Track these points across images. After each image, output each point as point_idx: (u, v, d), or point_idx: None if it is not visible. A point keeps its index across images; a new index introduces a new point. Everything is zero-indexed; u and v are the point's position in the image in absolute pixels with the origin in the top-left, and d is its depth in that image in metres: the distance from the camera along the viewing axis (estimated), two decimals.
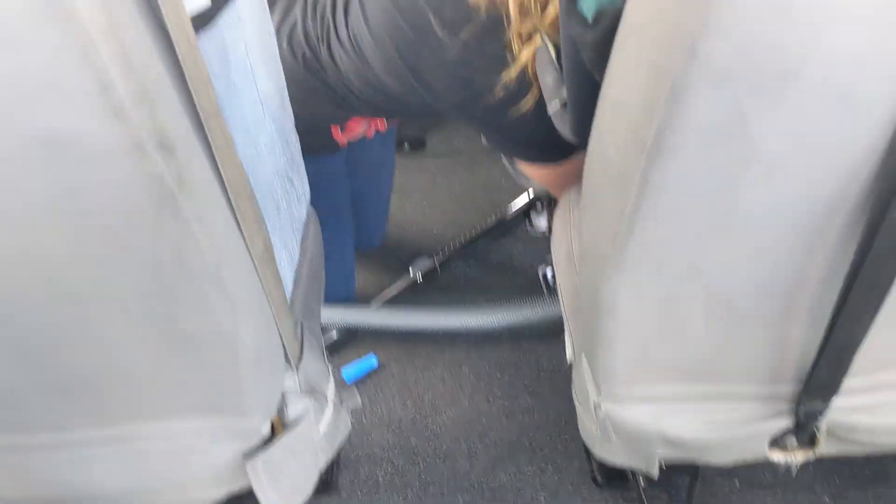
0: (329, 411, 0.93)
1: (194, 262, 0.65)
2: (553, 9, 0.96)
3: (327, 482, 1.31)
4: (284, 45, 1.25)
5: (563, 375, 1.50)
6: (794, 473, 0.90)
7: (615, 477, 1.23)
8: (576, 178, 1.06)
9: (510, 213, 1.98)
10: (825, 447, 0.88)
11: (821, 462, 1.31)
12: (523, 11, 0.98)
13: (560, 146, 1.08)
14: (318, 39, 1.22)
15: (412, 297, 1.74)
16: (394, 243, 1.91)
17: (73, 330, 0.70)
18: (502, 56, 1.03)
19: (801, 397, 0.82)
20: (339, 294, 1.61)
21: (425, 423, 1.41)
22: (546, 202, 1.92)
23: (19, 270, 0.63)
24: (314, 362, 0.94)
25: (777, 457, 0.89)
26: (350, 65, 1.19)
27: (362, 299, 1.70)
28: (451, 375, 1.51)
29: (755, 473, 1.30)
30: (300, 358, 0.91)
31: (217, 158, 0.64)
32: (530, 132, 1.11)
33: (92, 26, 0.48)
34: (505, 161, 1.73)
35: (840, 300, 0.72)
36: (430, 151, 2.29)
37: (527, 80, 1.04)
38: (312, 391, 0.90)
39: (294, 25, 1.25)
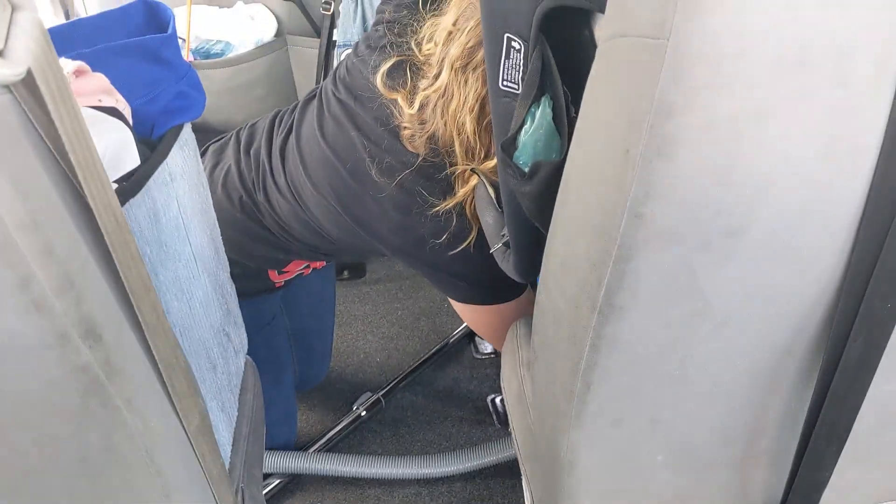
0: None
1: (124, 447, 0.60)
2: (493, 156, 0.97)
3: None
4: (219, 189, 1.23)
5: None
6: None
7: None
8: (511, 322, 1.05)
9: (454, 337, 1.96)
10: None
11: None
12: (468, 154, 0.99)
13: (503, 287, 1.07)
14: (253, 184, 1.21)
15: (357, 433, 1.67)
16: (336, 376, 1.85)
17: None
18: (440, 198, 1.03)
19: None
20: (281, 438, 1.54)
21: None
22: None
23: None
24: None
25: None
26: (289, 210, 1.17)
27: (306, 439, 1.63)
28: None
29: None
30: None
31: (148, 337, 0.60)
32: (473, 273, 1.10)
33: (9, 220, 0.44)
34: None
35: (802, 442, 0.71)
36: (370, 278, 2.27)
37: (468, 223, 1.04)
38: None
39: (228, 169, 1.24)
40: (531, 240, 0.84)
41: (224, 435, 0.89)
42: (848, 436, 0.69)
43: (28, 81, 0.43)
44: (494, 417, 1.66)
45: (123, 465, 0.61)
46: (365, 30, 1.88)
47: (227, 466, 0.85)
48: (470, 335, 1.97)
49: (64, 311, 0.49)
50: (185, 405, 0.66)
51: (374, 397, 1.72)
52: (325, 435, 1.62)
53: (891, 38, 0.48)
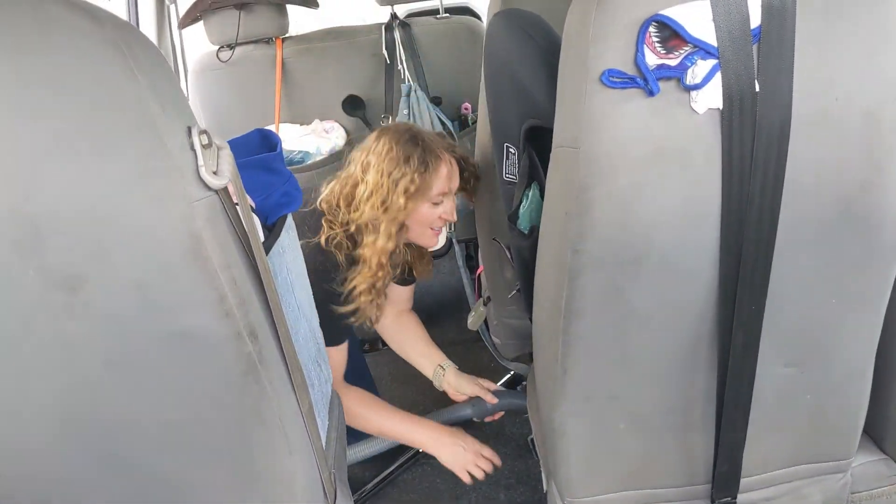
0: None
1: (266, 412, 0.95)
2: None
3: None
4: None
5: None
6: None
7: None
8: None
9: None
10: None
11: None
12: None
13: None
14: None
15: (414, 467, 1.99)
16: None
17: (172, 472, 0.98)
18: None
19: (714, 494, 1.09)
20: None
21: None
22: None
23: (141, 426, 0.92)
24: (345, 501, 1.21)
25: None
26: None
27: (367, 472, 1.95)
28: None
29: None
30: (336, 497, 1.18)
31: (282, 342, 0.96)
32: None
33: (215, 260, 0.81)
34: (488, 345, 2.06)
35: (718, 411, 1.02)
36: (384, 349, 2.56)
37: None
38: None
39: None
40: (531, 282, 1.19)
41: (322, 431, 1.23)
42: (750, 405, 1.00)
43: (225, 189, 0.81)
44: (534, 452, 1.97)
45: (264, 425, 0.96)
46: None
47: (324, 451, 1.19)
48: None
49: (240, 318, 0.85)
50: (301, 393, 1.01)
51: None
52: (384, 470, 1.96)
53: (714, 143, 0.82)
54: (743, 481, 1.08)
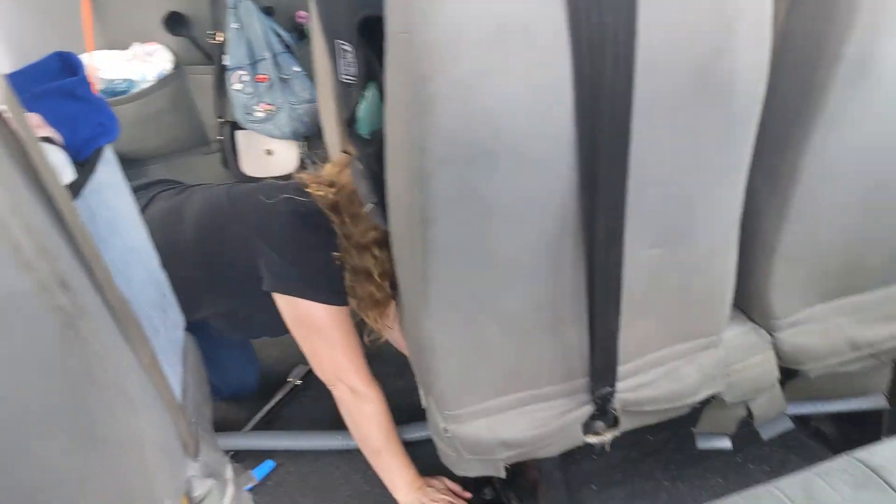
0: (230, 490, 1.10)
1: (97, 371, 0.84)
2: None
3: None
4: None
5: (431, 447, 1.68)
6: (607, 448, 1.13)
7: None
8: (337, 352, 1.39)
9: None
10: (626, 423, 1.13)
11: (658, 452, 1.58)
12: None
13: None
14: None
15: (295, 404, 1.90)
16: (274, 360, 2.07)
17: (8, 445, 0.86)
18: None
19: (593, 386, 1.07)
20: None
21: None
22: None
23: None
24: (212, 453, 1.12)
25: (592, 440, 1.13)
26: None
27: (246, 415, 1.85)
28: (345, 461, 1.68)
29: (611, 473, 1.55)
30: (198, 450, 1.09)
31: (102, 289, 0.84)
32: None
33: (2, 206, 0.68)
34: None
35: (590, 303, 0.98)
36: None
37: None
38: (213, 475, 1.07)
39: None
40: (383, 193, 1.10)
41: (174, 382, 1.13)
42: (620, 292, 0.97)
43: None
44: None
45: (98, 385, 0.85)
46: (251, 53, 2.13)
47: (179, 403, 1.09)
48: None
49: (43, 268, 0.73)
50: (137, 344, 0.90)
51: (308, 368, 1.95)
52: (262, 408, 1.85)
53: (559, 14, 0.75)
54: (620, 369, 1.06)
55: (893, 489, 0.83)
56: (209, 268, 1.40)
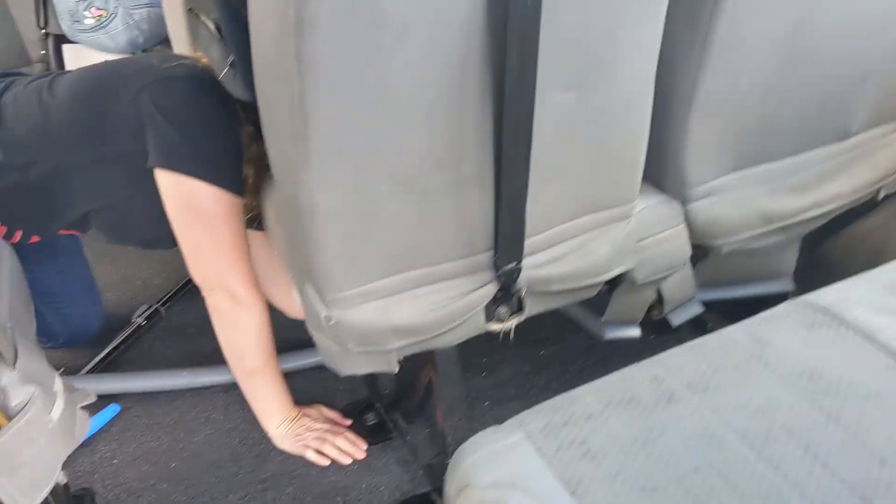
0: (60, 403, 0.89)
1: None
2: None
3: None
4: None
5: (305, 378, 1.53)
6: (511, 338, 1.01)
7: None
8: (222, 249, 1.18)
9: None
10: (532, 306, 1.00)
11: (551, 364, 1.49)
12: None
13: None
14: None
15: (141, 344, 1.67)
16: (113, 304, 1.82)
17: None
18: None
19: (497, 261, 0.94)
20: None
21: (182, 447, 1.36)
22: None
23: None
24: (34, 362, 0.91)
25: (495, 327, 1.00)
26: None
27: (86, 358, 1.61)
28: (201, 398, 1.47)
29: (503, 389, 1.45)
30: (15, 356, 0.87)
31: None
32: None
33: None
34: None
35: (497, 160, 0.85)
36: None
37: None
38: (36, 382, 0.86)
39: None
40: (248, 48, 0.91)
41: None
42: (530, 144, 0.84)
43: None
44: None
45: None
46: None
47: None
48: None
49: None
50: None
51: (153, 308, 1.72)
52: (102, 352, 1.61)
53: None
54: (527, 242, 0.93)
55: (848, 325, 0.75)
56: (86, 149, 1.17)
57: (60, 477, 1.02)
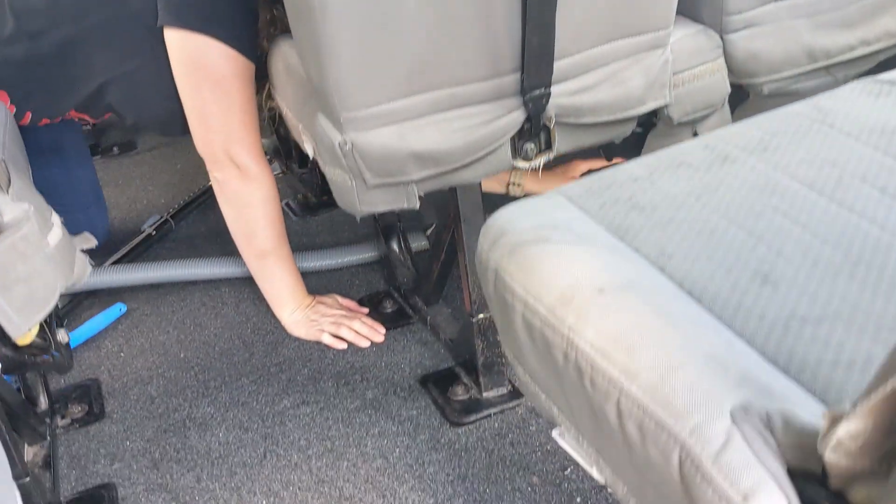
0: (58, 231, 0.84)
1: None
2: None
3: (96, 413, 1.17)
4: None
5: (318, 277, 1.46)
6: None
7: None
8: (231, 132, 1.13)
9: None
10: (562, 143, 0.93)
11: None
12: None
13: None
14: None
15: (147, 253, 1.61)
16: (119, 222, 1.76)
17: None
18: None
19: (525, 86, 0.87)
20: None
21: (192, 338, 1.30)
22: None
23: None
24: (27, 192, 0.85)
25: (522, 165, 0.93)
26: None
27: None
28: (210, 297, 1.41)
29: None
30: (8, 182, 0.82)
31: None
32: None
33: None
34: None
35: None
36: (142, 149, 2.16)
37: None
38: (31, 204, 0.80)
39: None
40: None
41: None
42: None
43: None
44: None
45: None
46: None
47: None
48: None
49: None
50: None
51: (163, 218, 1.67)
52: (114, 255, 1.55)
53: None
54: (557, 65, 0.86)
55: None
56: (98, 9, 1.12)
57: (62, 335, 0.97)
